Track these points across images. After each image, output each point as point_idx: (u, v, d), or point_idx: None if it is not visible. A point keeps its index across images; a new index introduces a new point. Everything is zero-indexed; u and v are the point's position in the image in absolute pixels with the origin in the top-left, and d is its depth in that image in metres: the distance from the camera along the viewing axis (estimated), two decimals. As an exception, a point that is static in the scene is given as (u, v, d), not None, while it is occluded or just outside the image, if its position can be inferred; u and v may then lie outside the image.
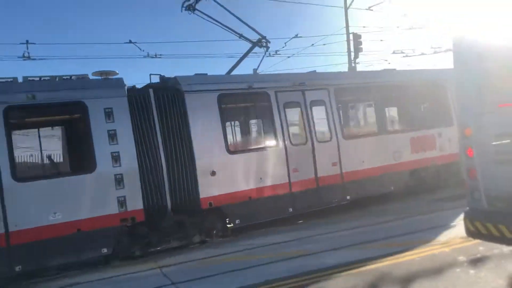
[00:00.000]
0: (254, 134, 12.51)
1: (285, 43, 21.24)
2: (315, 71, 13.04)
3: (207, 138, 10.02)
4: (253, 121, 12.30)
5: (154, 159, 9.47)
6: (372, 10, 21.49)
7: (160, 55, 17.11)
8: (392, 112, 13.83)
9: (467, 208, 5.78)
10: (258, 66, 13.68)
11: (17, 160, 8.54)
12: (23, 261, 8.16)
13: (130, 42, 16.33)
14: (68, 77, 9.30)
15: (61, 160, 9.58)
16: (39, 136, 9.18)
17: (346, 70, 24.35)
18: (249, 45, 12.67)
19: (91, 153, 8.85)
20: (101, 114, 8.98)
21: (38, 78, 8.96)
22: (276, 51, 21.33)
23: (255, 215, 10.56)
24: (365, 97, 13.14)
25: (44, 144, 9.20)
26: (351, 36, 26.30)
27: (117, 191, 8.96)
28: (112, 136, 8.99)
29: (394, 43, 35.06)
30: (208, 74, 11.03)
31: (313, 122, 11.56)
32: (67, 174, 9.08)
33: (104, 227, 8.79)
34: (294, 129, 11.54)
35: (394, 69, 14.98)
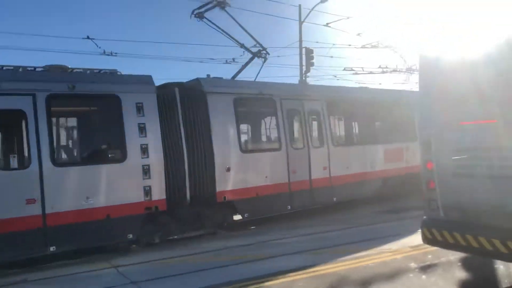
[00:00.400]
0: (262, 136, 13.40)
1: (243, 51, 21.40)
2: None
3: (224, 137, 10.86)
4: (261, 124, 13.16)
5: (177, 154, 10.05)
6: (329, 26, 22.19)
7: (116, 53, 16.72)
8: (371, 125, 14.98)
9: (424, 217, 6.21)
10: (257, 75, 14.16)
11: (55, 146, 8.89)
12: (56, 242, 8.49)
13: (88, 38, 15.91)
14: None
15: (95, 148, 9.78)
16: (76, 125, 9.92)
17: (297, 83, 25.00)
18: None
19: (123, 144, 9.34)
20: (133, 108, 9.50)
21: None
22: (234, 59, 21.52)
23: (260, 210, 11.40)
24: (351, 110, 14.18)
25: (81, 132, 9.92)
26: (303, 50, 27.11)
27: (143, 181, 9.44)
28: (142, 129, 9.52)
29: (345, 60, 36.40)
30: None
31: (310, 129, 12.75)
32: (100, 162, 9.26)
33: (131, 214, 9.26)
34: (295, 134, 12.72)
35: (372, 88, 16.94)
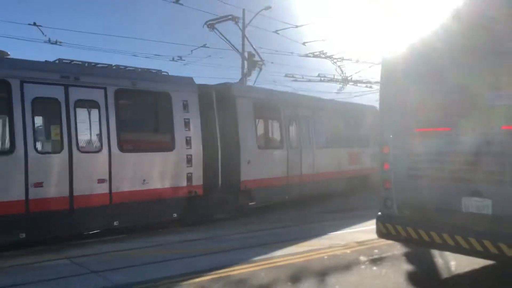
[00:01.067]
0: (271, 135, 15.20)
1: (191, 50, 21.84)
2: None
3: (247, 134, 12.92)
4: (267, 125, 14.88)
5: (212, 146, 11.83)
6: (278, 33, 22.86)
7: (61, 42, 16.16)
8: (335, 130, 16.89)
9: (379, 213, 6.84)
10: (255, 81, 17.12)
11: (121, 134, 10.11)
12: (119, 218, 9.92)
13: (35, 24, 15.24)
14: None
15: (151, 138, 11.35)
16: (136, 116, 11.32)
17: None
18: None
19: (172, 135, 10.99)
20: (180, 104, 11.14)
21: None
22: (181, 57, 21.64)
23: (268, 198, 13.49)
24: (328, 118, 16.48)
25: (140, 123, 11.32)
26: (246, 54, 27.61)
27: (187, 168, 11.14)
28: (187, 123, 11.21)
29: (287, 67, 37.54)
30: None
31: (302, 131, 15.04)
32: (155, 150, 10.88)
33: (177, 197, 11.01)
34: (292, 136, 14.76)
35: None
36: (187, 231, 10.69)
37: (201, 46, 21.65)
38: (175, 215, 11.03)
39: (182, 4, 15.58)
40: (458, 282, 6.67)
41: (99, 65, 10.45)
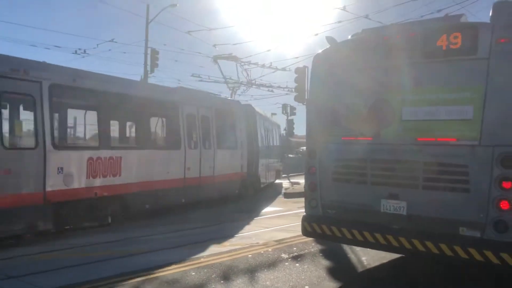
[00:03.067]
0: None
1: (97, 44, 21.15)
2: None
3: (261, 140, 20.41)
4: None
5: (251, 147, 18.36)
6: (191, 35, 22.85)
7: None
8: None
9: (305, 213, 7.39)
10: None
11: (220, 139, 15.83)
12: (186, 197, 13.82)
13: None
14: None
15: (225, 139, 16.44)
16: (218, 125, 15.83)
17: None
18: None
19: (235, 138, 17.12)
20: (238, 117, 17.39)
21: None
22: (85, 50, 20.72)
23: None
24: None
25: (219, 130, 15.89)
26: (149, 50, 27.12)
27: (241, 160, 17.39)
28: (241, 130, 17.47)
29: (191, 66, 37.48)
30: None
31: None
32: (228, 148, 16.57)
33: (237, 179, 17.15)
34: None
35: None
36: (94, 233, 10.36)
37: (109, 41, 20.96)
38: (236, 191, 17.02)
39: None
40: (372, 274, 7.47)
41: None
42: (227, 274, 7.07)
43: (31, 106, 9.43)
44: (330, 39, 7.50)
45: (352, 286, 6.91)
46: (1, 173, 8.60)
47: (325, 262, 7.93)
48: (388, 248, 6.47)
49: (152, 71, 26.79)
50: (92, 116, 11.38)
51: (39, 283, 6.50)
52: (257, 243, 9.39)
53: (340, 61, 7.23)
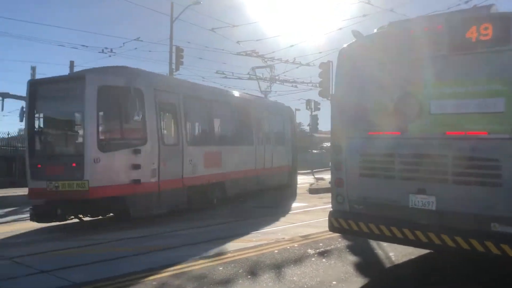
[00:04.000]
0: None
1: (123, 43, 21.44)
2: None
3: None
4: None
5: (294, 144, 20.95)
6: (215, 32, 22.95)
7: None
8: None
9: (332, 209, 7.35)
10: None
11: (268, 135, 18.41)
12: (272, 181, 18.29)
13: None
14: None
15: (277, 138, 19.18)
16: (271, 126, 18.83)
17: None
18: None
19: (284, 137, 19.91)
20: (286, 120, 20.45)
21: None
22: (112, 49, 21.01)
23: None
24: None
25: (272, 130, 18.86)
26: (174, 48, 27.34)
27: (287, 155, 19.94)
28: (287, 132, 20.31)
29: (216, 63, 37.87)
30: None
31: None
32: (279, 145, 19.14)
33: (285, 171, 19.71)
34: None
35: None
36: (121, 229, 10.54)
37: (134, 40, 21.24)
38: (284, 181, 19.40)
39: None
40: (400, 270, 7.38)
41: None
42: (254, 270, 7.10)
43: (174, 112, 12.58)
44: (356, 33, 7.41)
45: (380, 282, 6.84)
46: (161, 165, 11.56)
47: (352, 258, 7.87)
48: (416, 243, 6.37)
49: (177, 68, 27.02)
50: (204, 118, 14.65)
51: (70, 277, 6.63)
52: (283, 238, 9.39)
53: (366, 55, 7.14)
